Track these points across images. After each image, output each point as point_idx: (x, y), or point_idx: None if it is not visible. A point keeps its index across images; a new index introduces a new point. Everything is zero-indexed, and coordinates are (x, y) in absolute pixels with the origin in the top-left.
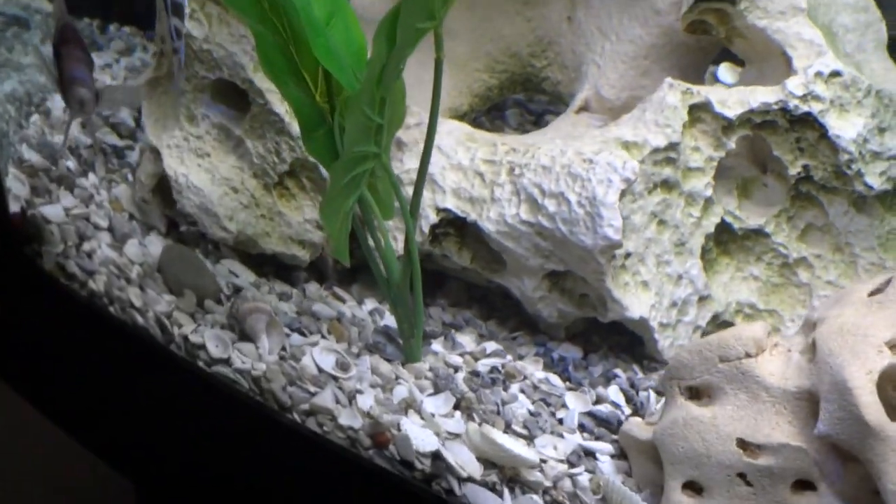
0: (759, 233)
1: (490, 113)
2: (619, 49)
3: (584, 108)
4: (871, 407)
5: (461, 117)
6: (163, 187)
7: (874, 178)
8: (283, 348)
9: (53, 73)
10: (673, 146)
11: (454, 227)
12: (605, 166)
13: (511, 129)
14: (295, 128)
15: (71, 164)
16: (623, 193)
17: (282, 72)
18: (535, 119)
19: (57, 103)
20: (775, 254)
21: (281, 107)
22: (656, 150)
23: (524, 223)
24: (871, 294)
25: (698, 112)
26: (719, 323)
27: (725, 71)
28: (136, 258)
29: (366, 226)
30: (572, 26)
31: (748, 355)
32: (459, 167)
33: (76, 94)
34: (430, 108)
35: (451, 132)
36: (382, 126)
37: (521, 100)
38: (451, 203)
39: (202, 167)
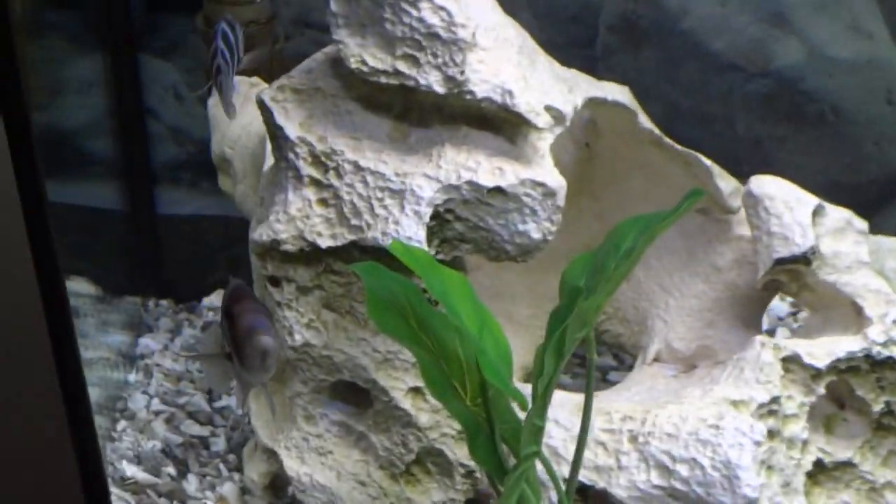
0: (847, 464)
1: None
2: (683, 304)
3: (655, 360)
4: None
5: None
6: (273, 483)
7: None
8: None
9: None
10: (775, 399)
11: (580, 493)
12: (733, 431)
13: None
14: (421, 419)
15: (171, 469)
16: (755, 454)
17: (442, 388)
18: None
19: (138, 403)
20: (863, 480)
21: (406, 402)
22: (761, 406)
23: (656, 487)
24: None
25: (788, 364)
26: None
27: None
28: None
29: None
30: (631, 284)
31: None
32: None
33: (258, 345)
34: (584, 402)
35: (563, 404)
36: (542, 427)
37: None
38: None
39: (325, 465)
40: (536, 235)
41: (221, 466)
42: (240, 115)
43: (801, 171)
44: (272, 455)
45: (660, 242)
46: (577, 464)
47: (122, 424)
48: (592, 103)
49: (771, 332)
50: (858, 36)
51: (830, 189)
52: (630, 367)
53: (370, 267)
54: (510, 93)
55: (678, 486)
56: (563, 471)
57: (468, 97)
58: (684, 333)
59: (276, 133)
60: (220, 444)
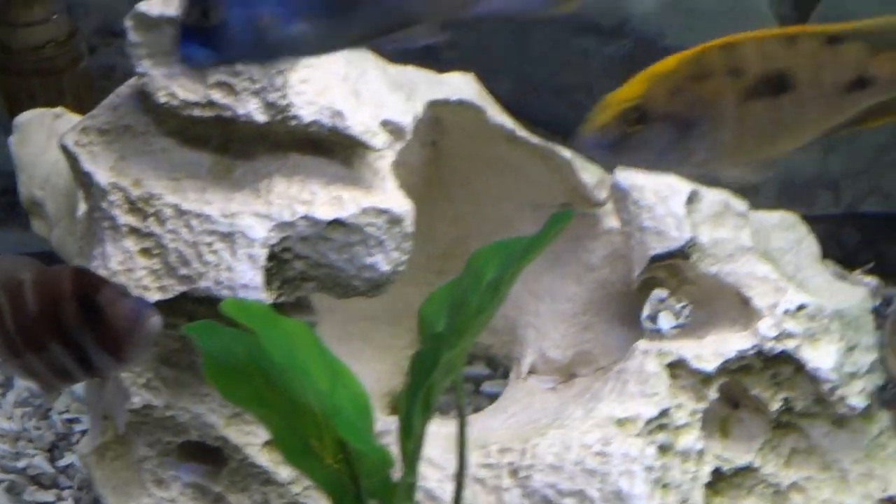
0: (747, 469)
1: None
2: (555, 309)
3: (531, 372)
4: None
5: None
6: None
7: (855, 398)
8: None
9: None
10: (664, 412)
11: None
12: (621, 458)
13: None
14: (281, 474)
15: None
16: (647, 479)
17: (299, 451)
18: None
19: None
20: (766, 484)
21: (262, 457)
22: (650, 421)
23: None
24: None
25: (675, 370)
26: None
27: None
28: None
29: None
30: None
31: None
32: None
33: (152, 328)
34: (458, 445)
35: (436, 437)
36: (415, 484)
37: None
38: None
39: None
40: (385, 268)
41: None
42: (46, 152)
43: None
44: None
45: None
46: None
47: None
48: (434, 106)
49: (653, 318)
50: None
51: None
52: (505, 375)
53: (204, 327)
54: (340, 114)
55: None
56: None
57: (293, 123)
58: (559, 341)
59: (85, 180)
60: None
